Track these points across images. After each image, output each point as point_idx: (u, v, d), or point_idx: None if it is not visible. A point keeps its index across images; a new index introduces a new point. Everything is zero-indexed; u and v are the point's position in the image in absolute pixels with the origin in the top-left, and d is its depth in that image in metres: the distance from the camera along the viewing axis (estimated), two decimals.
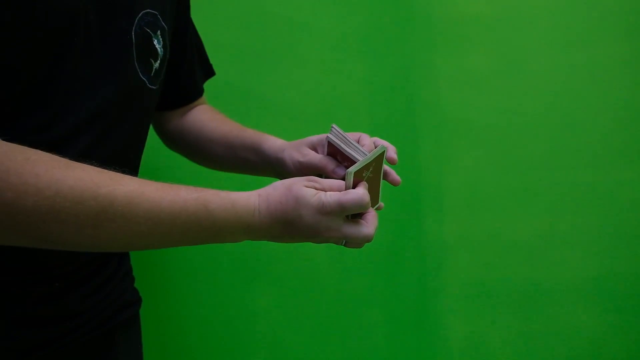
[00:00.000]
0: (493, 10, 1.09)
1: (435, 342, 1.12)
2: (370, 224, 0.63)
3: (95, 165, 0.55)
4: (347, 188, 0.62)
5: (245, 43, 1.10)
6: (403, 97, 1.11)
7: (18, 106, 0.57)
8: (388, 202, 1.10)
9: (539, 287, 1.10)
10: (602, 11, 1.08)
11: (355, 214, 0.63)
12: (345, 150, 0.66)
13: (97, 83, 0.62)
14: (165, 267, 1.14)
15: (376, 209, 0.68)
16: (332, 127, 0.68)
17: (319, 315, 1.13)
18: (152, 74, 0.69)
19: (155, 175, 1.07)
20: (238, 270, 1.13)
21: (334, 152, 0.68)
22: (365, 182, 0.63)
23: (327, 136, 0.68)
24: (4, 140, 0.51)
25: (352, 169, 0.61)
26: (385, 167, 0.71)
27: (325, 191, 0.61)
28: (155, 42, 0.69)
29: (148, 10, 0.68)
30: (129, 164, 0.70)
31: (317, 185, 0.62)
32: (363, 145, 0.69)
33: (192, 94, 0.91)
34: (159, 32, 0.70)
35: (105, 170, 0.56)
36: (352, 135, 0.70)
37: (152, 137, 0.84)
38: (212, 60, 0.94)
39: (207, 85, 0.95)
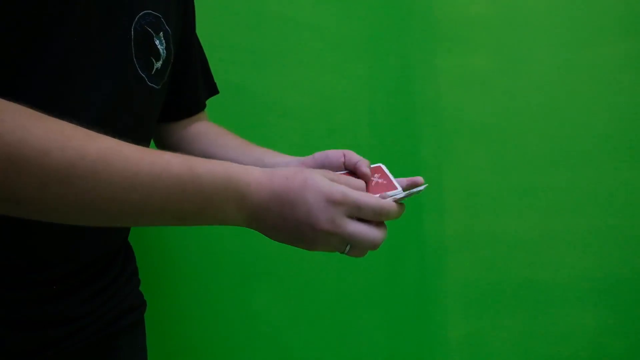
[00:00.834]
0: (493, 11, 1.09)
1: (435, 342, 1.12)
2: (380, 228, 0.57)
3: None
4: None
5: (246, 43, 1.10)
6: (403, 97, 1.11)
7: (9, 90, 0.54)
8: None
9: (539, 287, 1.10)
10: (602, 11, 1.08)
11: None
12: (390, 178, 0.62)
13: (91, 72, 0.61)
14: (164, 268, 1.14)
15: None
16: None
17: (319, 315, 1.13)
18: (152, 72, 0.69)
19: None
20: (238, 271, 1.13)
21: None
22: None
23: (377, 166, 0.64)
24: None
25: (393, 194, 0.57)
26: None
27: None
28: (157, 42, 0.69)
29: (150, 11, 0.68)
30: None
31: (333, 177, 0.57)
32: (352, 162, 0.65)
33: (194, 107, 0.90)
34: (161, 34, 0.70)
35: (84, 128, 0.49)
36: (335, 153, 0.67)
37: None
38: (212, 60, 0.95)
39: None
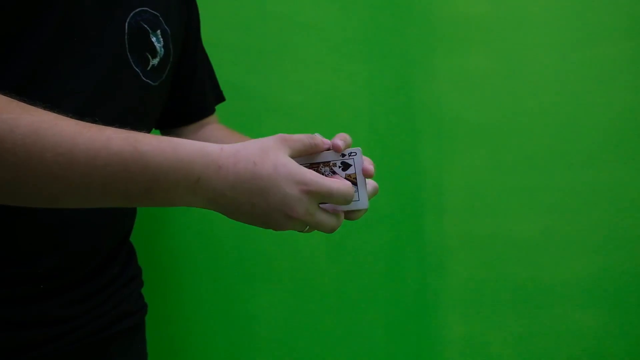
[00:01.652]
0: (493, 11, 1.09)
1: (435, 342, 1.12)
2: (340, 216, 0.57)
3: None
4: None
5: (246, 43, 1.10)
6: (403, 97, 1.11)
7: None
8: (388, 202, 1.10)
9: (539, 287, 1.10)
10: (602, 11, 1.08)
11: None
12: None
13: (79, 59, 0.61)
14: (164, 269, 1.14)
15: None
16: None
17: (319, 315, 1.12)
18: (148, 68, 0.69)
19: None
20: (238, 271, 1.13)
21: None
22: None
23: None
24: None
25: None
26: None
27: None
28: (153, 39, 0.70)
29: (147, 8, 0.69)
30: None
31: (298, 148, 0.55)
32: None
33: (202, 111, 0.90)
34: (159, 32, 0.71)
35: (22, 102, 0.46)
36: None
37: None
38: (212, 60, 0.95)
39: None
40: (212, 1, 1.08)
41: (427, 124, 1.11)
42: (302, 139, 0.56)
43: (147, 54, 0.69)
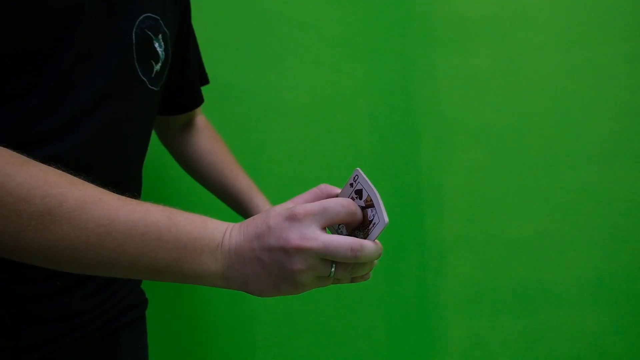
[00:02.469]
0: (493, 11, 1.09)
1: (435, 342, 1.12)
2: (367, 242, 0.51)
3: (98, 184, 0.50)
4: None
5: (245, 43, 1.10)
6: (403, 97, 1.11)
7: (12, 92, 0.55)
8: (388, 202, 1.10)
9: (539, 287, 1.10)
10: (602, 11, 1.08)
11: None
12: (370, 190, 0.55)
13: (94, 76, 0.61)
14: None
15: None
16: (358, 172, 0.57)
17: (319, 315, 1.12)
18: (152, 75, 0.69)
19: (159, 183, 1.07)
20: None
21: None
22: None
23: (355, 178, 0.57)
24: None
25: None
26: None
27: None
28: (156, 45, 0.69)
29: (149, 14, 0.68)
30: (129, 161, 0.70)
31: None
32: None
33: (194, 101, 0.94)
34: (160, 36, 0.70)
35: (69, 175, 0.49)
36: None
37: (156, 148, 0.85)
38: (212, 60, 0.95)
39: (209, 85, 0.96)
40: (212, 1, 1.08)
41: (427, 124, 1.11)
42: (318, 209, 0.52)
43: (152, 61, 0.69)
